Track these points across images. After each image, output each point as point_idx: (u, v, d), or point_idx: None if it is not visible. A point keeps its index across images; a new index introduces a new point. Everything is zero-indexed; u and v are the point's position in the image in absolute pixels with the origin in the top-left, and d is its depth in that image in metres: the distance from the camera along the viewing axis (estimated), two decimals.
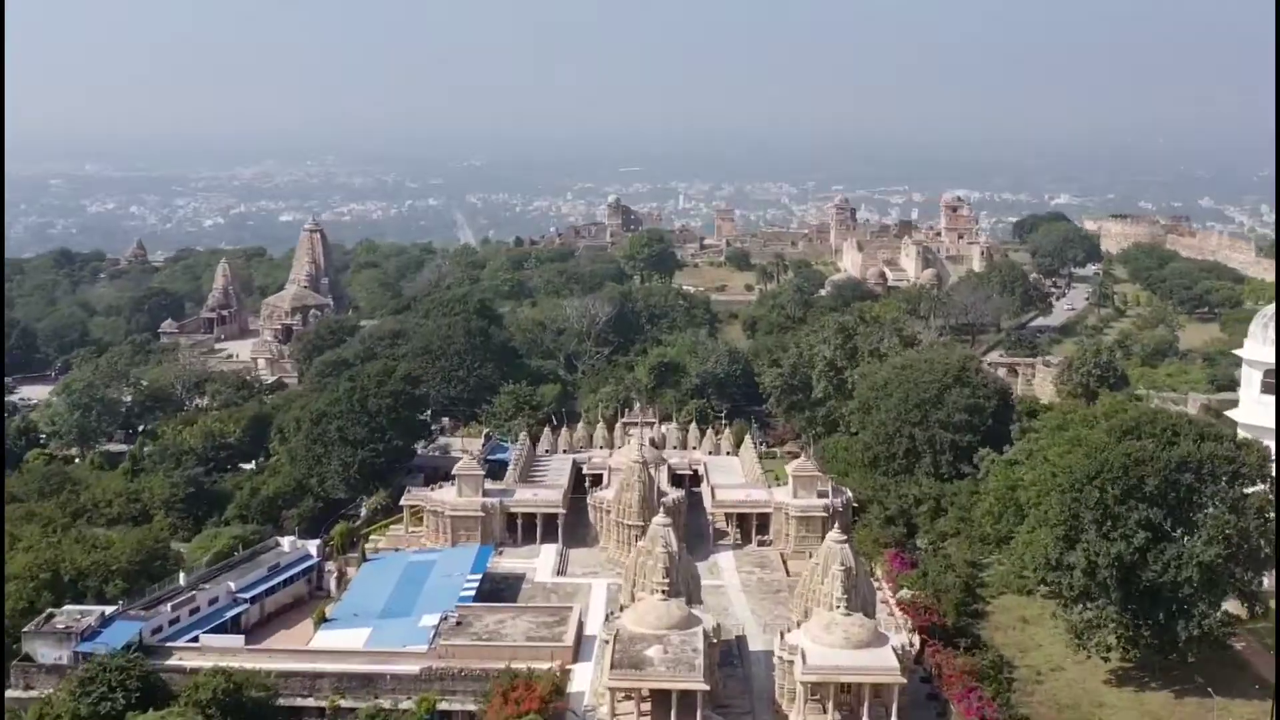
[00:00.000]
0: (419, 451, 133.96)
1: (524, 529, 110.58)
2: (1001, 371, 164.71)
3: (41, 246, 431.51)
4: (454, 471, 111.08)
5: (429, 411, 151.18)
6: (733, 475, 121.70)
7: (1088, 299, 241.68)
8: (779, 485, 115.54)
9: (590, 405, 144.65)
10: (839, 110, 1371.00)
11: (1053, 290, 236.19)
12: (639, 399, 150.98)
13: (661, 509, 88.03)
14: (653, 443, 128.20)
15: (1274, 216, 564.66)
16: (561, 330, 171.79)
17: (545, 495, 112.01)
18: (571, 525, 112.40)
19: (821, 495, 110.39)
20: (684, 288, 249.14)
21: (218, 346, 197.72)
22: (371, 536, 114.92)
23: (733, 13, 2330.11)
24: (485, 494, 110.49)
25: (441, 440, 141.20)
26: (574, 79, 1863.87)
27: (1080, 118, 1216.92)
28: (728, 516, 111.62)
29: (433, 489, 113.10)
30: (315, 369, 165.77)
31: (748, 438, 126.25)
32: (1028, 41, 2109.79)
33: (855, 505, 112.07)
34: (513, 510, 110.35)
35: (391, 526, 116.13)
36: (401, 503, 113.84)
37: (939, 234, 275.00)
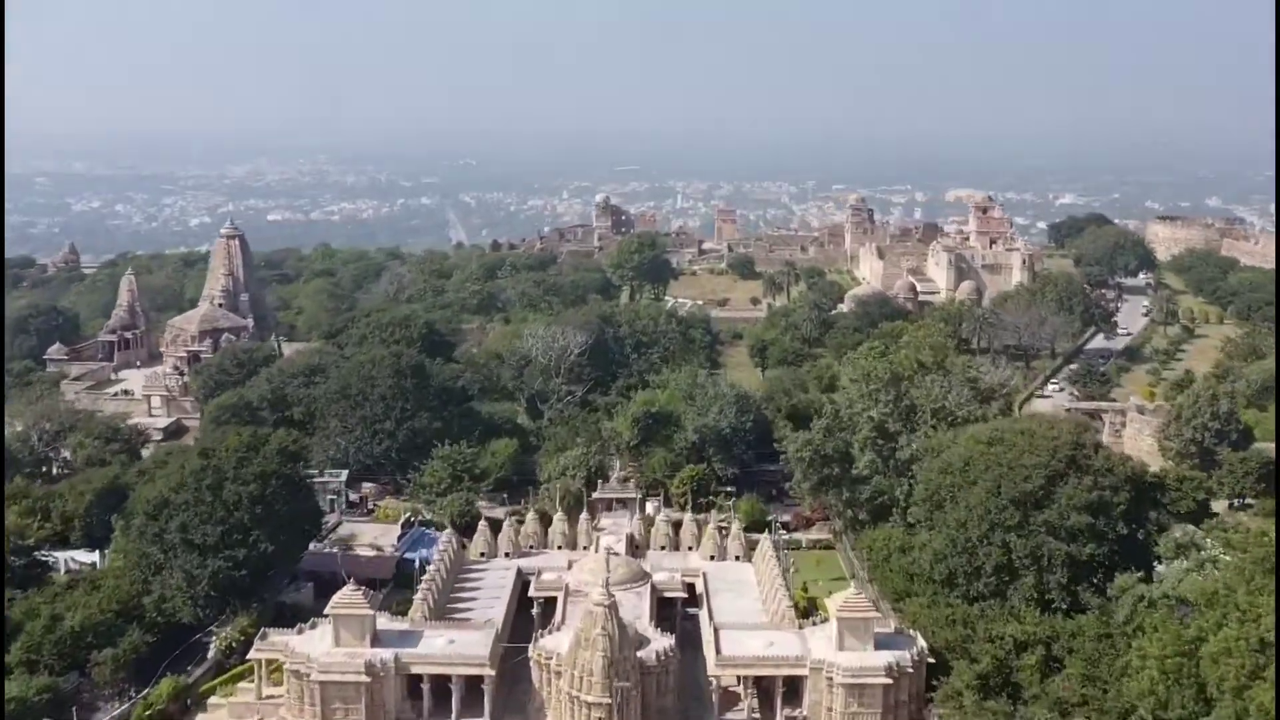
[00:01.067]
0: (311, 546, 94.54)
1: (435, 694, 71.33)
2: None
3: (21, 247, 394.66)
4: (329, 609, 71.71)
5: (344, 476, 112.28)
6: (745, 595, 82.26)
7: (1146, 314, 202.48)
8: (815, 621, 76.21)
9: (552, 473, 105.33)
10: (838, 108, 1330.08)
11: (1114, 306, 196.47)
12: (618, 459, 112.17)
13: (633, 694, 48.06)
14: (632, 543, 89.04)
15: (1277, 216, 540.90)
16: (525, 363, 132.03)
17: (465, 644, 72.21)
18: (509, 682, 73.33)
19: (881, 643, 71.32)
20: (679, 302, 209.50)
21: (115, 377, 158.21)
22: (211, 699, 75.75)
23: (732, 10, 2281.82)
24: (376, 640, 71.32)
25: (345, 528, 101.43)
26: (571, 77, 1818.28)
27: (1081, 117, 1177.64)
28: (741, 677, 72.41)
29: (300, 630, 73.78)
30: (210, 413, 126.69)
31: (765, 542, 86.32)
32: (1028, 40, 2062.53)
33: (930, 659, 72.87)
34: (416, 670, 71.07)
35: (248, 678, 76.95)
36: (252, 654, 74.32)
37: (967, 238, 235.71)
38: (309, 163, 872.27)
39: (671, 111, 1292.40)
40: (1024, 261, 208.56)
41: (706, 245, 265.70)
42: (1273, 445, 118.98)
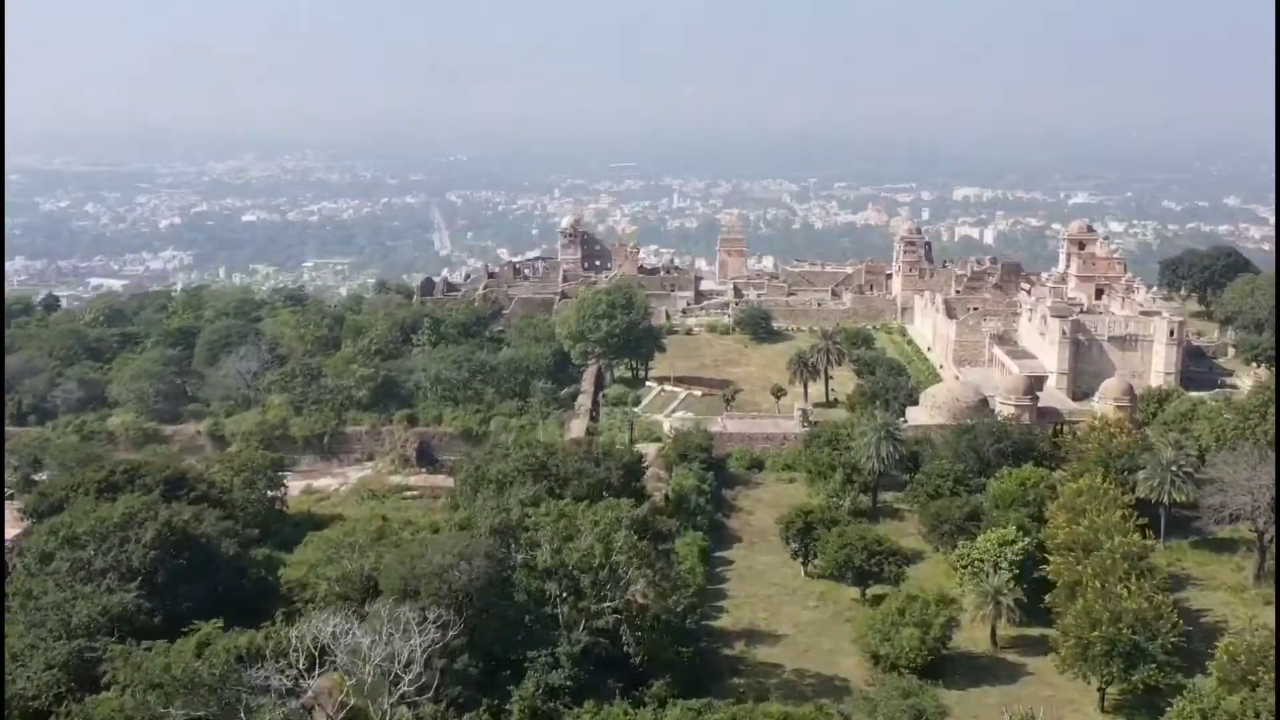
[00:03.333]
0: None
1: None
2: None
3: None
4: None
5: None
6: None
7: None
8: None
9: None
10: (839, 103, 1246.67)
11: None
12: None
13: None
14: None
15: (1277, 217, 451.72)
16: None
17: None
18: None
19: None
20: (665, 390, 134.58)
21: None
22: None
23: (731, 3, 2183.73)
24: None
25: None
26: (566, 72, 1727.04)
27: (1085, 112, 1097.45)
28: None
29: None
30: None
31: None
32: (1028, 35, 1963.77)
33: None
34: None
35: None
36: None
37: (1061, 281, 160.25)
38: (295, 159, 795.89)
39: (669, 105, 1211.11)
40: (1171, 333, 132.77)
41: (707, 284, 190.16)
42: None
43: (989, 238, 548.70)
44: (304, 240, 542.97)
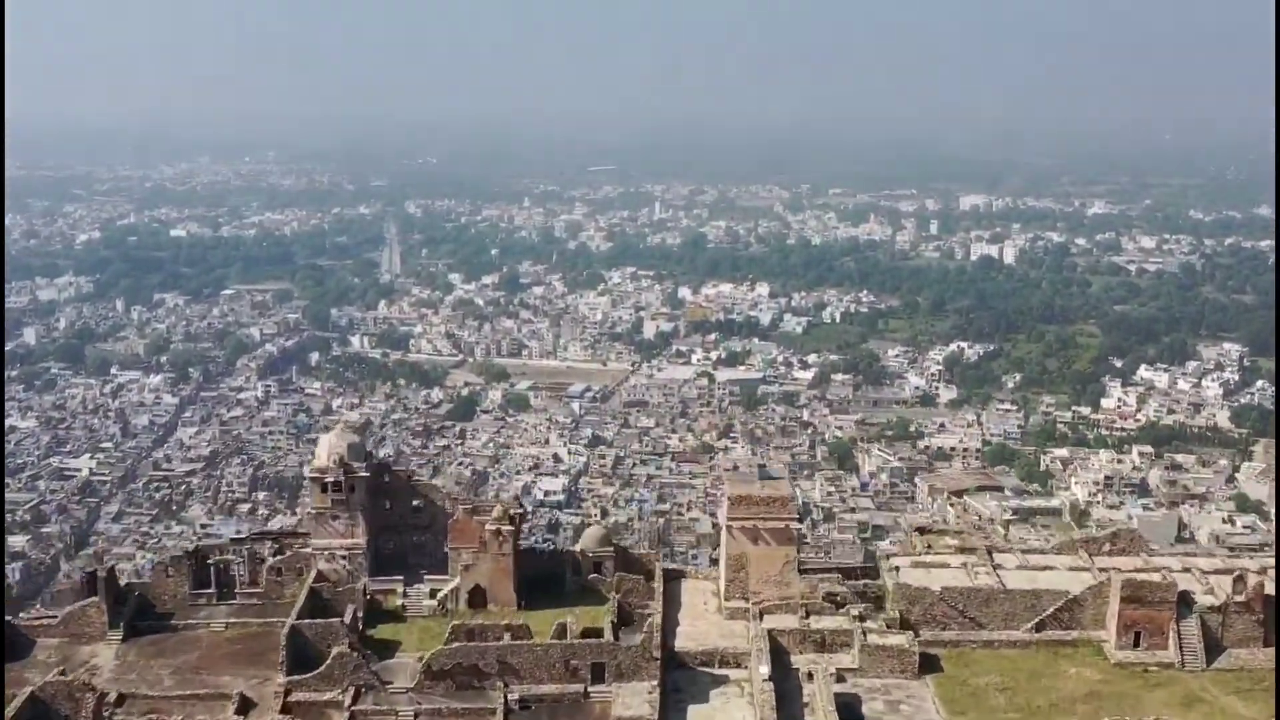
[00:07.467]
0: None
1: None
2: None
3: None
4: None
5: None
6: None
7: None
8: None
9: None
10: (832, 103, 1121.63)
11: None
12: None
13: None
14: None
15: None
16: None
17: None
18: None
19: None
20: None
21: None
22: None
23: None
24: None
25: None
26: (548, 70, 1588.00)
27: (1087, 112, 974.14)
28: None
29: None
30: None
31: None
32: (1024, 35, 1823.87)
33: None
34: None
35: None
36: None
37: None
38: (254, 161, 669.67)
39: (651, 104, 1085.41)
40: None
41: (690, 618, 69.37)
42: None
43: (1009, 256, 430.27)
44: (233, 260, 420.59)
